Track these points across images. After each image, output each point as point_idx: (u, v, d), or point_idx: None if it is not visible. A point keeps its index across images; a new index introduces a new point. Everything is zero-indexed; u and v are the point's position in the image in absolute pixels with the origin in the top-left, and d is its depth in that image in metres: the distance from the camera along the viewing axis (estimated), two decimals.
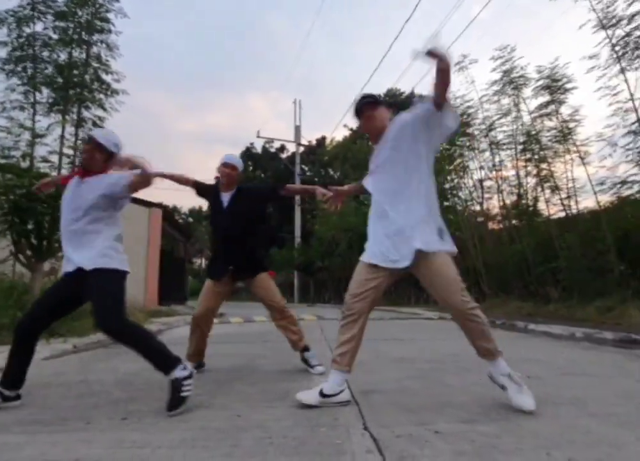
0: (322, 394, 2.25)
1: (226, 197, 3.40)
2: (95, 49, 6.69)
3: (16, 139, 6.12)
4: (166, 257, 12.66)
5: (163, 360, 2.32)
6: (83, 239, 2.42)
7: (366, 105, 2.40)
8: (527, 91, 10.43)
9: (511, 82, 10.55)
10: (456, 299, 2.16)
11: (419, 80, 46.52)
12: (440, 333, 6.24)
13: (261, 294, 3.34)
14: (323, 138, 36.25)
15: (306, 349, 3.37)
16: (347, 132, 34.02)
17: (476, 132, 12.62)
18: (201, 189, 3.55)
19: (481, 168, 12.74)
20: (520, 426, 1.92)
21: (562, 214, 10.42)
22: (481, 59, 12.52)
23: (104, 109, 6.64)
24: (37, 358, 2.87)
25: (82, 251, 2.40)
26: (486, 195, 12.99)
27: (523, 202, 11.40)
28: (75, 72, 6.60)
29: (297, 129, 26.15)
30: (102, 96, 6.77)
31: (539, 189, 11.06)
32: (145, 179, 2.50)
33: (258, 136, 27.19)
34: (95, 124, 6.59)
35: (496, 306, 10.02)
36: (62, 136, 6.54)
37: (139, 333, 2.37)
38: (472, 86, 14.95)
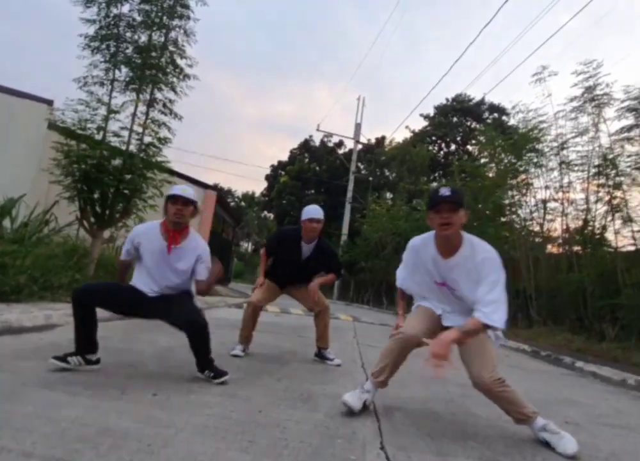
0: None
1: (306, 247, 3.66)
2: (173, 34, 6.97)
3: (94, 113, 6.50)
4: (215, 239, 13.07)
5: (211, 365, 2.68)
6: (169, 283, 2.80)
7: (446, 205, 2.15)
8: (610, 112, 9.74)
9: (593, 99, 9.87)
10: (486, 375, 2.13)
11: (492, 87, 44.73)
12: None
13: (309, 294, 3.69)
14: (382, 138, 35.86)
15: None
16: (407, 134, 33.54)
17: (546, 149, 12.00)
18: (273, 253, 3.82)
19: (547, 187, 12.08)
20: None
21: (632, 248, 9.68)
22: (562, 72, 11.76)
23: (175, 92, 6.92)
24: None
25: (165, 289, 2.79)
26: (548, 217, 12.33)
27: (589, 228, 10.69)
28: (153, 54, 6.89)
29: (358, 127, 25.99)
30: (174, 79, 7.03)
31: (608, 218, 10.34)
32: (207, 286, 2.83)
33: (318, 129, 27.32)
34: (164, 105, 6.88)
35: (543, 335, 9.47)
36: (134, 114, 6.88)
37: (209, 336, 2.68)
38: (547, 100, 14.13)
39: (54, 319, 4.02)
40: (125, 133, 6.83)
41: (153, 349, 3.48)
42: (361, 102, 25.66)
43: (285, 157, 39.26)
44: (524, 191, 13.02)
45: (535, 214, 12.75)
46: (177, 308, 2.61)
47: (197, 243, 2.79)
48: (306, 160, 35.71)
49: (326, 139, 34.65)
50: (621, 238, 9.77)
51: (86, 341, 2.55)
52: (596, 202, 10.58)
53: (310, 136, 36.29)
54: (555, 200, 11.95)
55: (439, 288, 2.34)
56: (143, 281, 2.75)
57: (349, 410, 2.25)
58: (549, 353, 6.84)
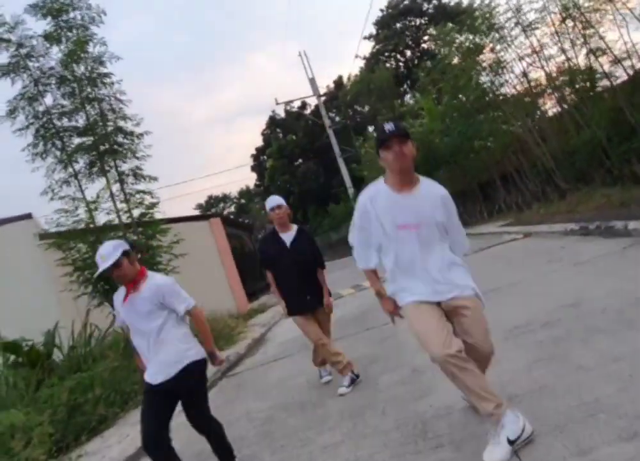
0: (510, 441, 2.00)
1: (286, 237, 3.68)
2: (105, 105, 6.74)
3: (75, 214, 6.48)
4: (240, 256, 13.15)
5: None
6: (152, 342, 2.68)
7: (396, 139, 2.12)
8: None
9: None
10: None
11: None
12: (537, 261, 5.81)
13: (322, 319, 3.78)
14: (340, 78, 34.64)
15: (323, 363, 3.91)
16: (361, 63, 32.25)
17: (503, 21, 11.39)
18: (269, 261, 3.80)
19: (520, 58, 11.49)
20: None
21: (626, 78, 9.25)
22: None
23: (137, 158, 6.79)
24: None
25: (158, 361, 2.70)
26: (533, 84, 11.85)
27: (575, 68, 10.15)
28: (97, 129, 6.72)
29: (313, 82, 25.05)
30: (129, 143, 6.88)
31: (591, 58, 9.85)
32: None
33: (277, 103, 26.57)
34: (135, 175, 6.77)
35: (581, 201, 9.24)
36: (111, 194, 6.81)
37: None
38: None
39: None
40: (113, 216, 6.81)
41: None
42: (304, 56, 24.63)
43: (257, 138, 38.66)
44: (499, 70, 12.55)
45: (518, 87, 12.31)
46: (183, 404, 2.65)
47: (154, 280, 2.66)
48: (280, 135, 34.99)
49: (289, 108, 33.73)
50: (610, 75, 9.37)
51: None
52: (572, 47, 10.10)
53: (273, 111, 35.40)
54: (532, 65, 11.47)
55: (401, 236, 2.18)
56: (149, 372, 2.65)
57: None
58: (597, 224, 6.65)
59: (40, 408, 4.32)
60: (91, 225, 6.61)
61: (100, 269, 2.56)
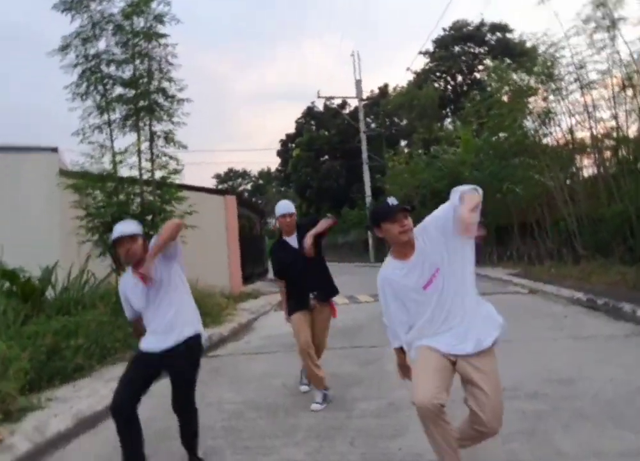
0: None
1: (292, 240, 3.76)
2: (154, 64, 6.73)
3: (100, 162, 6.51)
4: (245, 237, 13.18)
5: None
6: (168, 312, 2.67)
7: (401, 212, 2.19)
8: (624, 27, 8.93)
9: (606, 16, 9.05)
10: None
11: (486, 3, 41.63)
12: (537, 324, 5.76)
13: (320, 326, 3.77)
14: (385, 86, 34.42)
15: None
16: (410, 77, 32.04)
17: (562, 73, 11.25)
18: (284, 271, 3.84)
19: (571, 114, 11.36)
20: None
21: None
22: None
23: (172, 123, 6.78)
24: None
25: (169, 326, 2.71)
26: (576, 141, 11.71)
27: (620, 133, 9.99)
28: (141, 85, 6.72)
29: (358, 84, 25.00)
30: (168, 105, 6.87)
31: None
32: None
33: (319, 96, 26.48)
34: (166, 138, 6.77)
35: (595, 272, 9.14)
36: (139, 150, 6.82)
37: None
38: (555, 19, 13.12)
39: None
40: (135, 172, 6.83)
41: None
42: (357, 56, 24.57)
43: (290, 124, 38.50)
44: (546, 120, 12.42)
45: (561, 142, 12.17)
46: (174, 389, 2.62)
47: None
48: (313, 128, 34.90)
49: (328, 103, 33.61)
50: None
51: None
52: (627, 116, 9.96)
53: (313, 103, 35.26)
54: (581, 124, 11.32)
55: (429, 295, 2.18)
56: (147, 339, 2.66)
57: None
58: (605, 301, 6.61)
59: (23, 344, 4.35)
60: (113, 175, 6.63)
61: (118, 234, 2.56)
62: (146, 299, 2.62)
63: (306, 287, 3.67)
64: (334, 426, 3.12)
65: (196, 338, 2.68)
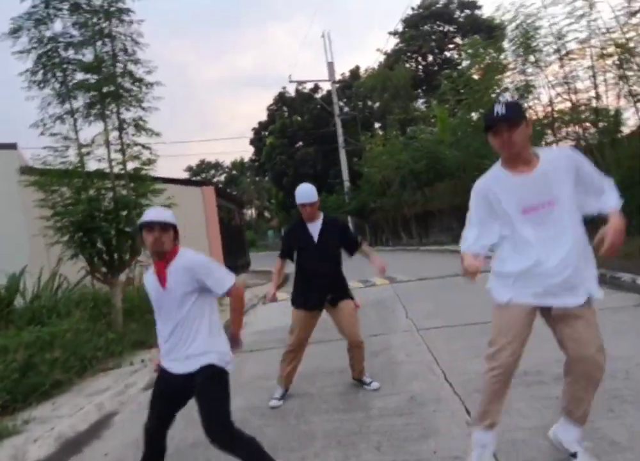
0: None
1: (312, 227, 3.47)
2: (118, 44, 6.13)
3: (65, 155, 5.94)
4: (225, 228, 12.74)
5: None
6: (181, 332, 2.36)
7: (505, 124, 1.92)
8: None
9: None
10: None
11: None
12: None
13: (345, 322, 3.43)
14: (357, 68, 33.95)
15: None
16: (381, 58, 31.65)
17: (540, 45, 11.09)
18: (290, 252, 3.59)
19: (551, 85, 11.21)
20: None
21: None
22: None
23: (143, 108, 6.22)
24: None
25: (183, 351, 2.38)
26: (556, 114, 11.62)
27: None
28: (105, 68, 6.14)
29: (330, 66, 24.50)
30: (136, 90, 6.31)
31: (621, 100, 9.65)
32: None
33: (290, 81, 25.94)
34: (137, 126, 6.22)
35: None
36: (107, 141, 6.27)
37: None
38: None
39: (107, 406, 3.84)
40: (105, 165, 6.28)
41: None
42: (327, 38, 24.00)
43: (263, 112, 37.69)
44: (524, 93, 12.30)
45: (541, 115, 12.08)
46: (200, 406, 2.24)
47: (186, 257, 2.31)
48: (286, 114, 34.18)
49: (300, 87, 32.92)
50: None
51: None
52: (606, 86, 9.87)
53: (284, 88, 34.52)
54: (560, 95, 11.21)
55: (527, 219, 1.99)
56: (164, 357, 2.34)
57: None
58: (602, 271, 6.49)
59: None
60: (80, 170, 6.09)
61: (150, 218, 2.24)
62: (159, 303, 2.33)
63: (320, 283, 3.42)
64: (354, 431, 2.82)
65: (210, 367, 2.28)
